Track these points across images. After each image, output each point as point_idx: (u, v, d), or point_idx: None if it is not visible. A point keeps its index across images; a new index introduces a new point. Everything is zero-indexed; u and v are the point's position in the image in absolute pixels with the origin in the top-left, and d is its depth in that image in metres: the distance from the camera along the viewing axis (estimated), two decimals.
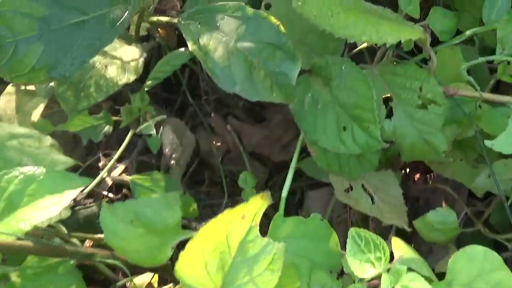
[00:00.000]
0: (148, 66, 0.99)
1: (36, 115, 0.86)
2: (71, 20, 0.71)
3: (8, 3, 0.69)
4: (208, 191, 1.01)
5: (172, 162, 0.88)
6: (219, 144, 0.99)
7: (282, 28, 0.76)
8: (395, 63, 0.82)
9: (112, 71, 0.78)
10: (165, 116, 0.77)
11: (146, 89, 0.78)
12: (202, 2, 0.94)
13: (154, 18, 0.80)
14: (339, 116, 0.79)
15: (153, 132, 0.77)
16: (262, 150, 1.02)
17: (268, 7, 0.92)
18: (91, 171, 1.04)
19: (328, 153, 0.81)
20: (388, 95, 0.80)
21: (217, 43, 0.75)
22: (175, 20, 0.77)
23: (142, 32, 0.88)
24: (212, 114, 1.02)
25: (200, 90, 1.08)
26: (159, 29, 0.88)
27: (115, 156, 0.83)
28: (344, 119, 0.79)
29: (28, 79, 0.70)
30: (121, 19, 0.73)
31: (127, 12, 0.74)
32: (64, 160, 0.79)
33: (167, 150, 0.86)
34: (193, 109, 1.03)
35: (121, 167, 0.99)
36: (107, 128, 0.80)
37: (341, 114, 0.79)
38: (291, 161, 0.86)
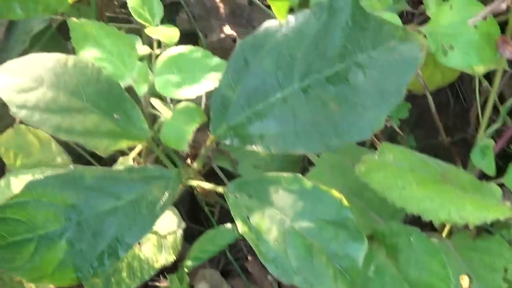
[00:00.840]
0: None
1: None
2: (102, 208, 0.60)
3: (29, 193, 0.58)
4: None
5: None
6: None
7: (345, 202, 0.65)
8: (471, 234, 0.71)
9: (147, 250, 0.67)
10: None
11: (186, 270, 0.67)
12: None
13: (195, 183, 0.69)
14: None
15: None
16: None
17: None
18: None
19: None
20: (466, 273, 0.69)
21: (271, 223, 0.64)
22: (221, 190, 0.67)
23: None
24: (248, 257, 0.91)
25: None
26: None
27: None
28: None
29: (52, 280, 0.59)
30: (161, 200, 0.62)
31: (167, 190, 0.63)
32: None
33: None
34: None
35: None
36: None
37: None
38: None
